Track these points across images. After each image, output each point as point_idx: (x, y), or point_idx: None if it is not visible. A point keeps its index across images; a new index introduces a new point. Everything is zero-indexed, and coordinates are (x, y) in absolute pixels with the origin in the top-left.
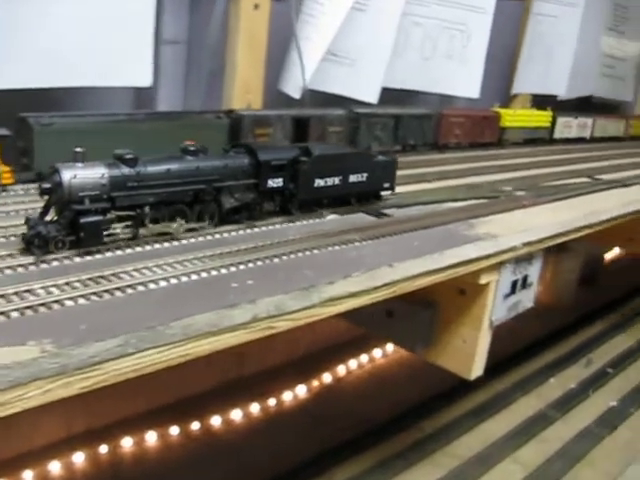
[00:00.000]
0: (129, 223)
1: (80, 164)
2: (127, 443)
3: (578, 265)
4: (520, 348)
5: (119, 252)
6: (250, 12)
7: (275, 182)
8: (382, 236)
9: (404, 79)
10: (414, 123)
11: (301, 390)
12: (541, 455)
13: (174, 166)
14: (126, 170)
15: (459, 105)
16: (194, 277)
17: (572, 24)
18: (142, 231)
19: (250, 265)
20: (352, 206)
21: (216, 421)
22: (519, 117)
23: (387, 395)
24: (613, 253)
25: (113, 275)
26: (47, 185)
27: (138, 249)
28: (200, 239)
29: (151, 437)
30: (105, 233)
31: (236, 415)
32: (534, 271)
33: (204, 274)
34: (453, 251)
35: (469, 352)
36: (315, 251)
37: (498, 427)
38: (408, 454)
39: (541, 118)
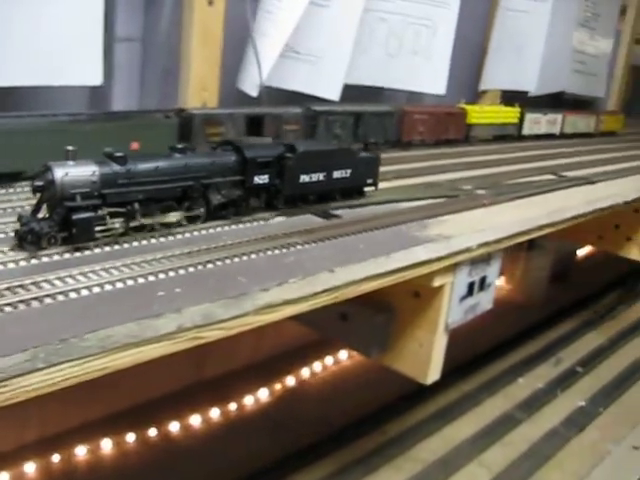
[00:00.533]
0: (120, 219)
1: (71, 162)
2: (81, 452)
3: (549, 262)
4: (489, 347)
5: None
6: (204, 8)
7: (261, 178)
8: (327, 239)
9: (369, 76)
10: (375, 120)
11: (263, 394)
12: (507, 457)
13: (162, 163)
14: (116, 167)
15: (428, 102)
16: (119, 285)
17: (542, 19)
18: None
19: (181, 272)
20: (300, 207)
21: (174, 427)
22: (486, 114)
23: (351, 398)
24: (587, 249)
25: (33, 284)
26: (39, 183)
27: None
28: (135, 244)
29: (106, 445)
30: (97, 229)
31: (195, 420)
32: (493, 272)
33: (130, 282)
34: (400, 254)
35: (425, 356)
36: (253, 256)
37: (464, 429)
38: (370, 459)
39: (509, 114)
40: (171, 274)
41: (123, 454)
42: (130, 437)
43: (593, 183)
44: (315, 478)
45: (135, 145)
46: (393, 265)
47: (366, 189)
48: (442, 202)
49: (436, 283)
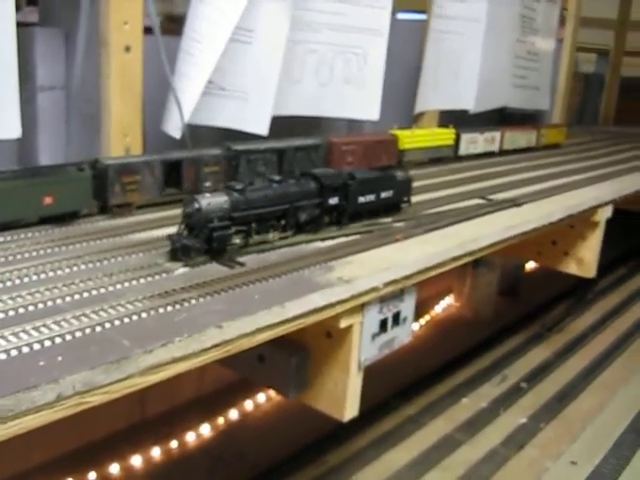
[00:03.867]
0: (242, 236)
1: (208, 194)
2: None
3: (497, 277)
4: (436, 366)
5: None
6: (121, 55)
7: (333, 200)
8: (223, 290)
9: (301, 106)
10: (300, 155)
11: (204, 429)
12: None
13: (268, 192)
14: (238, 196)
15: (368, 129)
16: (2, 357)
17: (476, 39)
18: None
19: (68, 337)
20: (205, 257)
21: (114, 469)
22: (418, 137)
23: (293, 428)
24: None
25: None
26: (189, 210)
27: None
28: (21, 310)
29: None
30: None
31: (136, 461)
32: (407, 307)
33: (14, 352)
34: (296, 302)
35: (341, 395)
36: (143, 315)
37: (403, 454)
38: None
39: (443, 136)
40: (57, 340)
41: None
42: None
43: (519, 205)
44: None
45: (48, 200)
46: (287, 314)
47: (402, 205)
48: (353, 240)
49: (343, 324)
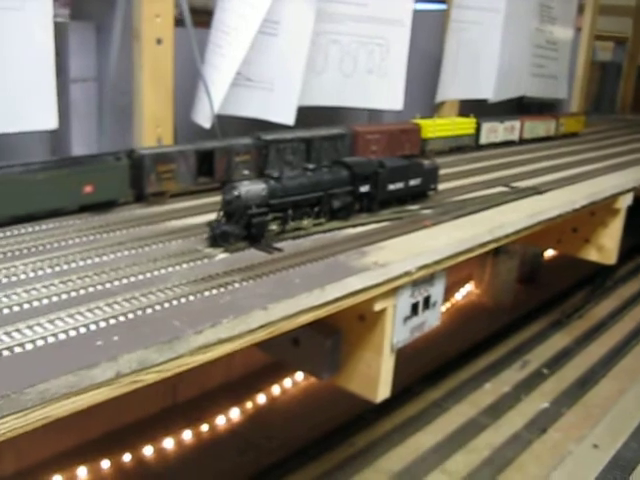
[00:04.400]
0: (279, 222)
1: (247, 182)
2: None
3: (517, 264)
4: (459, 352)
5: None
6: (153, 47)
7: (364, 188)
8: (265, 275)
9: (326, 96)
10: (326, 144)
11: (234, 413)
12: (470, 464)
13: (303, 180)
14: (275, 184)
15: (388, 118)
16: (62, 337)
17: (496, 29)
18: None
19: (121, 319)
20: (244, 242)
21: (148, 451)
22: (440, 126)
23: (322, 411)
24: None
25: None
26: (229, 197)
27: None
28: (73, 294)
29: (82, 472)
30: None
31: (168, 443)
32: (437, 291)
33: (73, 332)
34: (334, 286)
35: (374, 376)
36: (191, 297)
37: (429, 437)
38: (339, 471)
39: (464, 125)
40: (111, 322)
41: None
42: (105, 464)
43: (541, 193)
44: None
45: (89, 188)
46: (327, 297)
47: (429, 193)
48: (384, 226)
49: (377, 308)
